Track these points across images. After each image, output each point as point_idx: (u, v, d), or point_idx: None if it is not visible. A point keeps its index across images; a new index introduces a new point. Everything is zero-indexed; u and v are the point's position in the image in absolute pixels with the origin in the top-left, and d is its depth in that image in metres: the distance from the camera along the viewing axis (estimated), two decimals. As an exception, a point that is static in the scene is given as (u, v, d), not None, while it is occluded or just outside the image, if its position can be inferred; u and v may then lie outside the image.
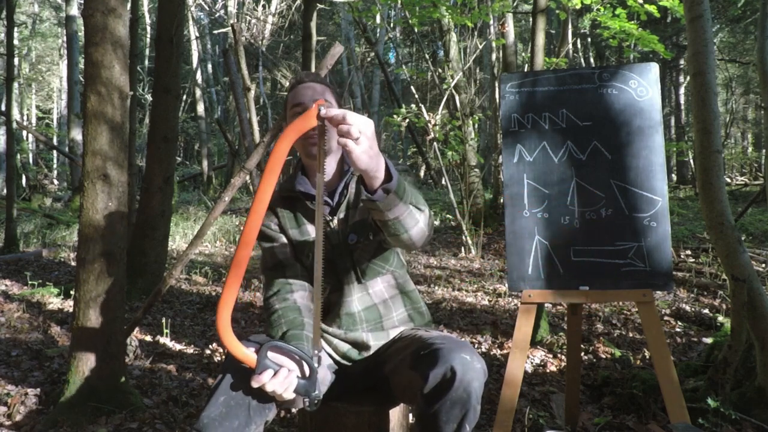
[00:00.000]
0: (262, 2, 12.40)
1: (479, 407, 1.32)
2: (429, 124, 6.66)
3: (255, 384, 1.23)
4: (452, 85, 7.07)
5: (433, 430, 1.31)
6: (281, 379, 1.24)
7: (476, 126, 7.87)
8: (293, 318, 1.46)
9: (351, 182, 1.57)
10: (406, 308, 1.62)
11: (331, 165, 1.56)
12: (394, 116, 7.00)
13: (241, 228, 8.02)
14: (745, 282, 2.06)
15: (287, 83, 13.02)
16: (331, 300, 1.60)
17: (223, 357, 3.11)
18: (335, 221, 1.55)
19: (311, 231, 1.56)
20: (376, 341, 1.58)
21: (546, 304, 3.61)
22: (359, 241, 1.54)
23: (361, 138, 1.10)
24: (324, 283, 1.57)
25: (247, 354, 1.24)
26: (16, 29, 10.76)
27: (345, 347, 1.58)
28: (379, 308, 1.58)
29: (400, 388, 1.45)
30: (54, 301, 4.09)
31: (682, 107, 14.33)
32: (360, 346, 1.58)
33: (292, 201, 1.59)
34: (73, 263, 5.56)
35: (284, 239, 1.58)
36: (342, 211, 1.55)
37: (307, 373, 1.29)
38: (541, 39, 3.92)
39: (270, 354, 1.26)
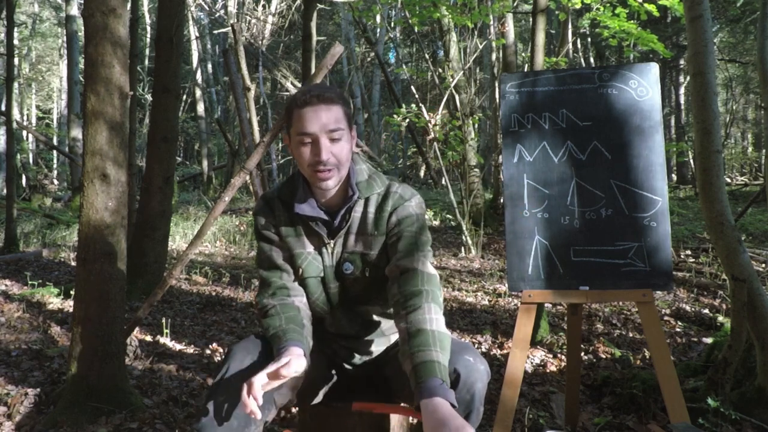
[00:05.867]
0: (262, 2, 12.40)
1: (482, 408, 1.33)
2: (429, 124, 6.66)
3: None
4: (452, 85, 7.07)
5: None
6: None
7: (476, 126, 7.86)
8: (293, 315, 1.43)
9: (355, 207, 1.48)
10: None
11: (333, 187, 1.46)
12: (394, 116, 7.00)
13: (241, 228, 8.00)
14: (745, 282, 2.06)
15: (287, 83, 12.99)
16: (326, 317, 1.56)
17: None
18: (332, 244, 1.49)
19: (307, 245, 1.50)
20: (377, 346, 1.59)
21: (546, 304, 3.61)
22: (353, 273, 1.49)
23: None
24: (313, 301, 1.53)
25: None
26: (16, 29, 10.75)
27: (347, 351, 1.58)
28: (374, 323, 1.57)
29: (403, 390, 1.45)
30: (54, 301, 4.08)
31: (682, 107, 14.32)
32: (362, 351, 1.58)
33: (294, 211, 1.52)
34: (73, 263, 5.56)
35: (281, 243, 1.53)
36: (341, 236, 1.48)
37: None
38: (541, 39, 3.91)
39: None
